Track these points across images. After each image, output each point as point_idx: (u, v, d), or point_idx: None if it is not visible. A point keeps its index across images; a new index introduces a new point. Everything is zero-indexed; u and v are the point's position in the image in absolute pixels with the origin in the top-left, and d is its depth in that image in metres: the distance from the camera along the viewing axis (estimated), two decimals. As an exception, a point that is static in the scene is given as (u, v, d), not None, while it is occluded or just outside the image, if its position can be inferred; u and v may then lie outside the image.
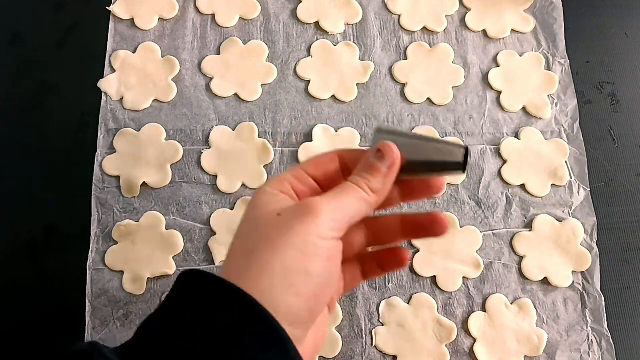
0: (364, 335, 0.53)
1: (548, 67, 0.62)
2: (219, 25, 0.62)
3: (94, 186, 0.57)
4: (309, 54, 0.62)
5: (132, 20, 0.63)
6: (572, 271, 0.55)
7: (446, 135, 0.59)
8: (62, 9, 0.64)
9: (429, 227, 0.39)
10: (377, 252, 0.41)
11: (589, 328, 0.54)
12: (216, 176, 0.57)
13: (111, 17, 0.63)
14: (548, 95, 0.61)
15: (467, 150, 0.36)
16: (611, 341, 0.53)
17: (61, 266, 0.56)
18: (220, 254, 0.55)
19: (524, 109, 0.60)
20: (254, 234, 0.34)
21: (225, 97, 0.60)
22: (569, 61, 0.62)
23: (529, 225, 0.56)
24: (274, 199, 0.35)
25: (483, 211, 0.57)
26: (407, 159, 0.37)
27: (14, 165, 0.59)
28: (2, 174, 0.58)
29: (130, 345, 0.32)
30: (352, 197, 0.35)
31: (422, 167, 0.37)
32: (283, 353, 0.31)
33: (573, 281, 0.55)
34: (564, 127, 0.59)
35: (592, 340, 0.53)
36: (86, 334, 0.53)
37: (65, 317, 0.54)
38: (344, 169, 0.38)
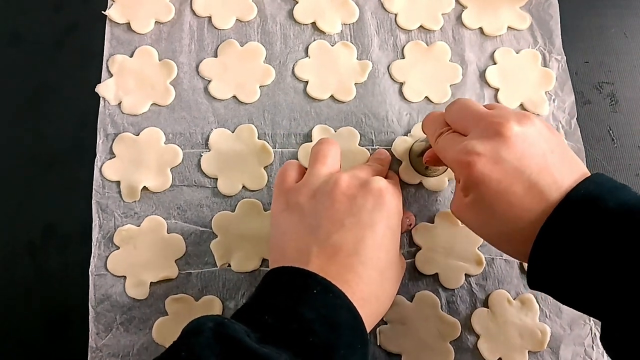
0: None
1: (545, 64, 0.63)
2: (216, 28, 0.63)
3: (94, 192, 0.58)
4: (306, 54, 0.63)
5: (128, 24, 0.63)
6: None
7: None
8: (60, 9, 0.65)
9: None
10: None
11: (592, 322, 0.55)
12: (216, 179, 0.58)
13: (107, 21, 0.63)
14: (545, 92, 0.62)
15: None
16: None
17: (61, 267, 0.56)
18: (222, 256, 0.56)
19: (521, 105, 0.61)
20: None
21: (223, 100, 0.61)
22: (565, 57, 0.63)
23: (530, 221, 0.57)
24: None
25: (484, 207, 0.58)
26: None
27: (13, 165, 0.60)
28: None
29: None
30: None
31: None
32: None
33: (574, 275, 0.56)
34: (561, 124, 0.61)
35: (595, 333, 0.55)
36: (90, 339, 0.54)
37: (65, 318, 0.55)
38: None
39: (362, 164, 0.55)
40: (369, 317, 0.44)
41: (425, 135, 0.56)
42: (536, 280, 0.43)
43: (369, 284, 0.44)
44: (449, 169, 0.58)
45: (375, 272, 0.45)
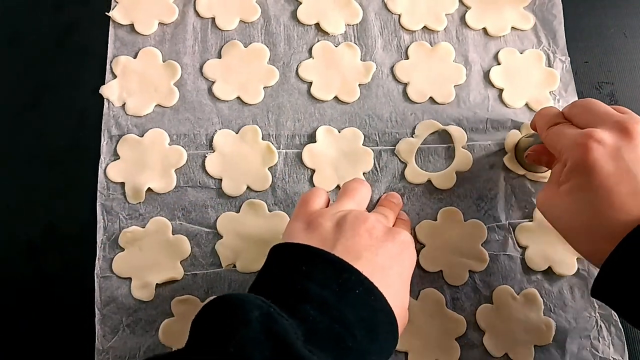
0: (374, 333, 0.58)
1: (549, 64, 0.66)
2: (219, 29, 0.67)
3: (98, 193, 0.61)
4: (310, 55, 0.66)
5: (131, 26, 0.67)
6: (577, 258, 0.59)
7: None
8: (61, 9, 0.68)
9: None
10: None
11: (597, 314, 0.58)
12: (221, 180, 0.62)
13: (110, 22, 0.67)
14: (550, 92, 0.65)
15: None
16: (620, 325, 0.57)
17: (61, 267, 0.60)
18: (227, 257, 0.59)
19: (526, 105, 0.65)
20: None
21: (227, 101, 0.64)
22: (569, 58, 0.66)
23: (530, 216, 0.61)
24: None
25: (486, 203, 0.61)
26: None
27: (13, 165, 0.63)
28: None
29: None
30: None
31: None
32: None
33: (578, 268, 0.59)
34: (565, 123, 0.64)
35: (600, 325, 0.57)
36: (96, 342, 0.57)
37: (66, 319, 0.59)
38: None
39: (384, 207, 0.58)
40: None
41: (532, 132, 0.60)
42: (603, 287, 0.45)
43: None
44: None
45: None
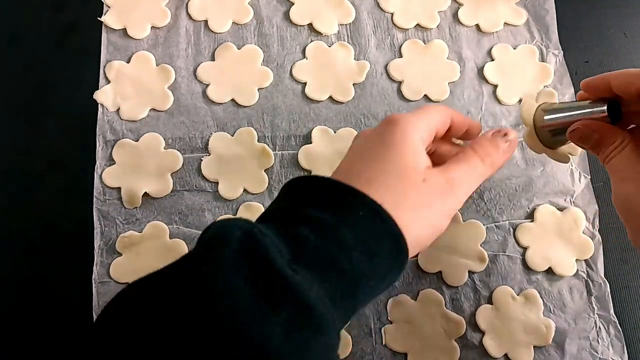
0: (373, 334, 0.57)
1: (542, 59, 0.65)
2: (212, 31, 0.66)
3: (94, 199, 0.60)
4: (303, 56, 0.65)
5: (124, 30, 0.65)
6: (576, 259, 0.58)
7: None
8: (61, 9, 0.67)
9: None
10: None
11: (596, 315, 0.57)
12: (217, 183, 0.61)
13: (103, 27, 0.66)
14: (544, 86, 0.64)
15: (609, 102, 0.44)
16: (619, 326, 0.56)
17: (61, 267, 0.59)
18: (225, 260, 0.58)
19: (520, 101, 0.64)
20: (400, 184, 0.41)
21: (222, 103, 0.63)
22: (562, 52, 0.65)
23: (530, 216, 0.60)
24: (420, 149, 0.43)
25: (485, 203, 0.60)
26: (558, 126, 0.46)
27: (13, 165, 0.62)
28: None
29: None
30: (475, 168, 0.45)
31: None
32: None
33: (577, 269, 0.58)
34: (561, 118, 0.63)
35: (599, 327, 0.57)
36: (95, 347, 0.56)
37: (66, 319, 0.57)
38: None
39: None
40: (414, 240, 0.41)
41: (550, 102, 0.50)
42: None
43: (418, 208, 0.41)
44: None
45: (429, 197, 0.42)
